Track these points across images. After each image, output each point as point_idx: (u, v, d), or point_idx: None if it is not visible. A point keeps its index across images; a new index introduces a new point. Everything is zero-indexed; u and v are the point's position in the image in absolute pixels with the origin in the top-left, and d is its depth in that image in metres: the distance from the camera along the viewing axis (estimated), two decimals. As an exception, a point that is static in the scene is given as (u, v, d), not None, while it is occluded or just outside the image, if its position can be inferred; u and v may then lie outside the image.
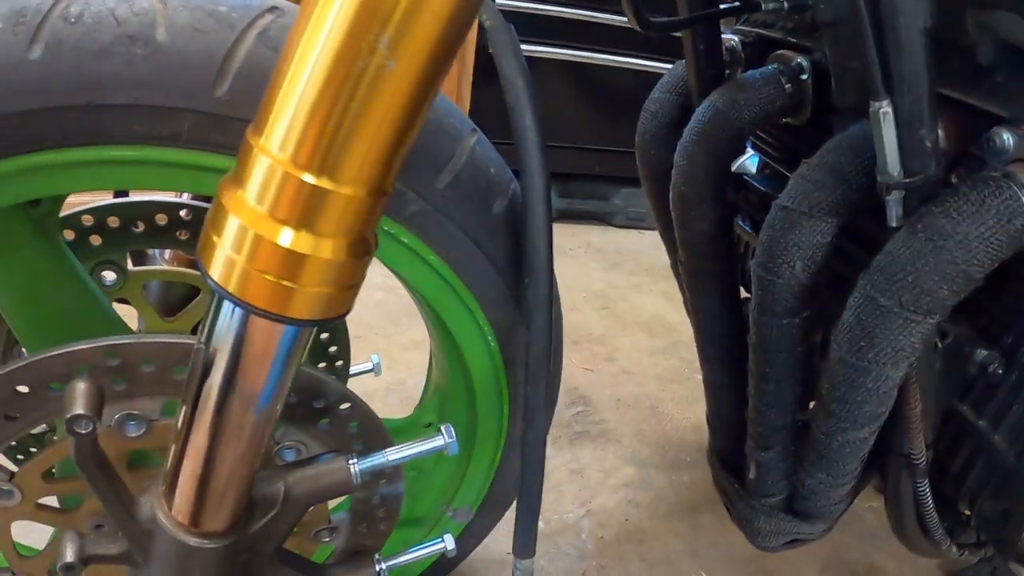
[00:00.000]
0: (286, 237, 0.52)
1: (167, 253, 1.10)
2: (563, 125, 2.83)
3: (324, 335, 1.14)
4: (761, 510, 0.97)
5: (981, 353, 0.81)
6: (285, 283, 0.53)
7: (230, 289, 0.54)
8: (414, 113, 0.52)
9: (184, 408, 0.64)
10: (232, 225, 0.52)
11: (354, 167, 0.51)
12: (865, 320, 0.69)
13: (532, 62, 2.60)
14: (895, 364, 0.70)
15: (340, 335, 1.15)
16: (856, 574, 1.48)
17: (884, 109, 0.65)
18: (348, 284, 0.56)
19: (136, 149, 0.69)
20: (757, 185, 1.15)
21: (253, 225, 0.52)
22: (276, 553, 0.78)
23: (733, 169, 1.16)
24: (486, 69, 2.42)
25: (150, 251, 1.08)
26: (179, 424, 0.65)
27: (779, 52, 0.92)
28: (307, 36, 0.48)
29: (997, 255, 0.65)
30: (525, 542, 0.89)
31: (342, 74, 0.48)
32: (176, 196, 1.03)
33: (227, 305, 0.57)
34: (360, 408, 0.81)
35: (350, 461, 0.76)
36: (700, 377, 2.13)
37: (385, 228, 0.77)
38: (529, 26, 2.56)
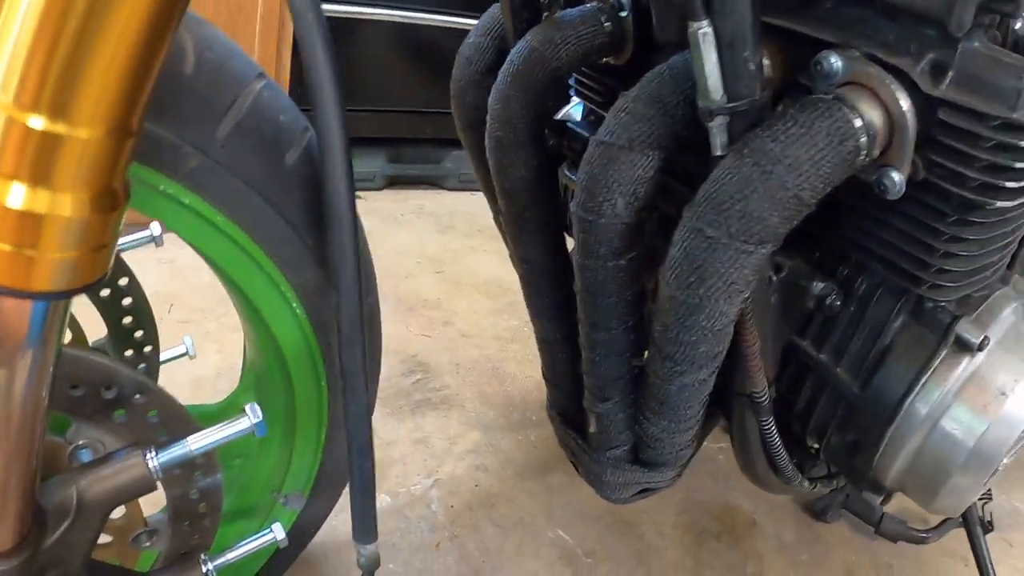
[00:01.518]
0: (17, 196, 0.45)
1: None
2: (390, 89, 2.73)
3: (127, 319, 1.02)
4: (607, 463, 0.94)
5: (818, 286, 0.81)
6: (24, 251, 0.46)
7: None
8: (157, 30, 0.44)
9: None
10: None
11: (88, 103, 0.44)
12: (693, 254, 0.66)
13: (354, 24, 2.52)
14: (728, 299, 0.67)
15: (144, 316, 1.02)
16: (712, 515, 1.50)
17: (704, 30, 0.63)
18: (98, 244, 0.50)
19: None
20: (580, 131, 1.12)
21: None
22: (85, 566, 0.70)
23: (559, 117, 1.13)
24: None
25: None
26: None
27: (598, -10, 0.88)
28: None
29: (829, 179, 0.63)
30: (364, 526, 0.81)
31: None
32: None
33: None
34: (157, 395, 0.73)
35: (147, 455, 0.68)
36: (541, 335, 2.10)
37: (162, 188, 0.69)
38: (350, -15, 2.45)
